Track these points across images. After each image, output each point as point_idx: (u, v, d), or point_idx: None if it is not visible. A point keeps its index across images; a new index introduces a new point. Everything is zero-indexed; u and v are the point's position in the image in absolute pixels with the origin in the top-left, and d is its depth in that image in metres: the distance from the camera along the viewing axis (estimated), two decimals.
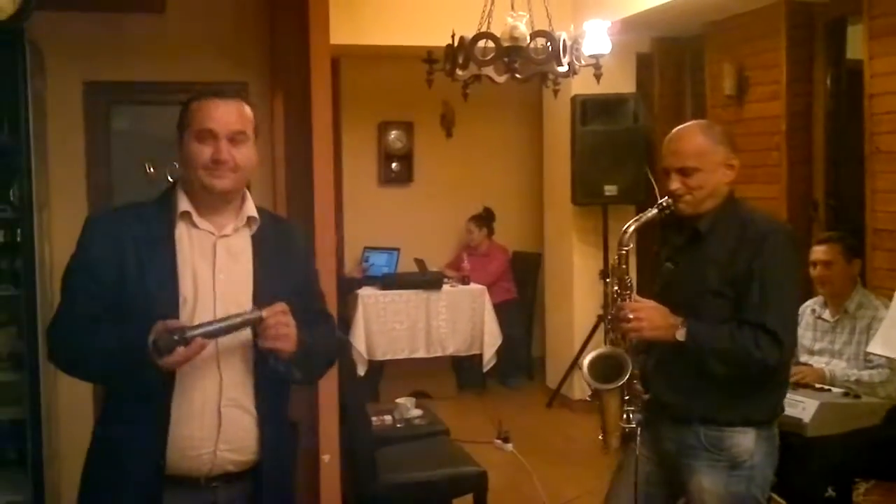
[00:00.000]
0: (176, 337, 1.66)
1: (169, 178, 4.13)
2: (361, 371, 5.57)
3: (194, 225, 1.85)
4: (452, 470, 3.42)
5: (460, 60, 3.85)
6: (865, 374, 3.32)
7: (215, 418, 1.79)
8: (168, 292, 1.77)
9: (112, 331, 1.76)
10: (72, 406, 3.53)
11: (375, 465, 3.26)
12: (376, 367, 5.86)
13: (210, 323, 1.73)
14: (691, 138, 2.27)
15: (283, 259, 1.93)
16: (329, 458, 3.06)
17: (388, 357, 5.83)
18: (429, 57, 4.02)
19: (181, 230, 1.84)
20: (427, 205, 6.61)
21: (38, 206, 3.31)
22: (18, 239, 3.39)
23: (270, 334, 1.76)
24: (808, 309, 3.62)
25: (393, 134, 6.57)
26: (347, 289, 5.82)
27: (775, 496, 3.66)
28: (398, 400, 4.16)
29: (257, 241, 1.91)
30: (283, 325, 1.76)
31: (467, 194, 6.56)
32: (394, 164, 6.61)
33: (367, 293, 5.84)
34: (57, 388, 3.53)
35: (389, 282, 5.95)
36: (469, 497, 3.44)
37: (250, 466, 1.86)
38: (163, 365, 1.68)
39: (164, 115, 4.26)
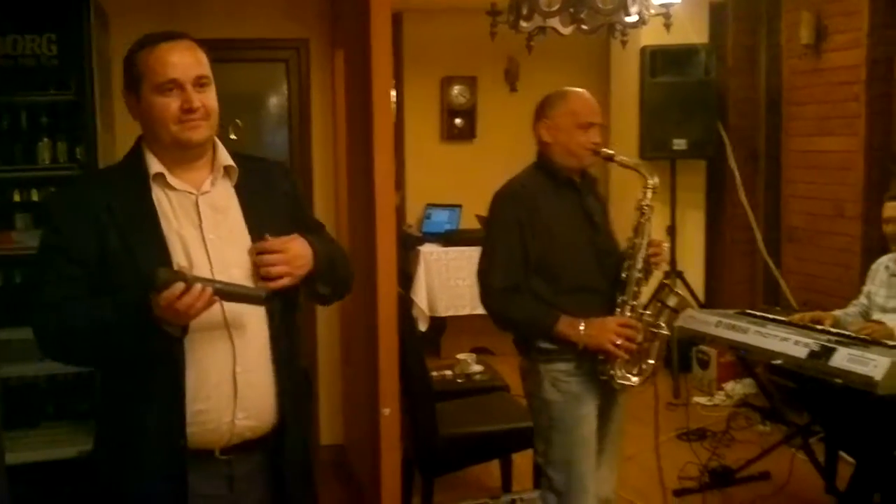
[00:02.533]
0: (177, 270, 1.56)
1: (231, 136, 4.18)
2: (423, 327, 5.61)
3: (170, 187, 1.72)
4: (512, 425, 3.41)
5: (524, 12, 3.75)
6: None
7: (231, 387, 1.68)
8: (161, 266, 1.61)
9: (106, 303, 1.61)
10: None
11: (435, 418, 3.28)
12: (438, 323, 5.90)
13: (215, 280, 1.61)
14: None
15: (270, 202, 1.81)
16: (389, 412, 3.09)
17: (450, 313, 5.84)
18: (492, 9, 3.94)
19: (158, 195, 1.70)
20: (490, 161, 6.49)
21: (104, 165, 3.38)
22: None
23: (262, 273, 1.67)
24: (882, 266, 3.48)
25: (456, 89, 6.48)
26: (409, 245, 5.85)
27: (844, 454, 3.56)
28: (459, 356, 4.18)
29: (241, 191, 1.78)
30: (277, 263, 1.68)
31: (532, 150, 6.33)
32: (457, 120, 6.53)
33: (428, 250, 5.86)
34: None
35: (452, 238, 5.95)
36: (529, 452, 3.44)
37: (268, 431, 1.76)
38: (159, 303, 1.52)
39: (226, 72, 4.32)
